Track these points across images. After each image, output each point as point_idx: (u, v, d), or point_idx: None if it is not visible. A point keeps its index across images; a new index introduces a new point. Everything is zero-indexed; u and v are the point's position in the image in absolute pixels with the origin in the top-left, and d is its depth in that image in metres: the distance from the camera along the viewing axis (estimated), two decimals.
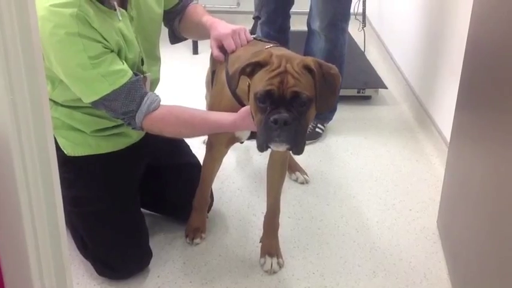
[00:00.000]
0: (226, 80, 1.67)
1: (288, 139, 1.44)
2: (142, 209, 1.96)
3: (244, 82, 1.53)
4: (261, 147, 1.48)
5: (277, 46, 1.74)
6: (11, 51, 0.86)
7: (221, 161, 1.92)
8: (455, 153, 1.97)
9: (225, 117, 1.62)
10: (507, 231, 1.42)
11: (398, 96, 3.21)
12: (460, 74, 1.91)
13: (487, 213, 1.59)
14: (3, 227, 1.00)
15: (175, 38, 2.00)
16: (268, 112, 1.44)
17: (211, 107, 1.80)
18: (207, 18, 1.82)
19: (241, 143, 1.84)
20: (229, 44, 1.72)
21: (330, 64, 1.52)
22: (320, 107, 1.49)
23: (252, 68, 1.50)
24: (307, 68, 1.46)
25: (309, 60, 1.48)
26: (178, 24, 1.93)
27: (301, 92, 1.43)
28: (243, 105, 1.63)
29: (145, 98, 1.63)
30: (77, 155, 1.80)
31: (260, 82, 1.46)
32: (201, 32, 1.83)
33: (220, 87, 1.73)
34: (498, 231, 1.49)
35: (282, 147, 1.49)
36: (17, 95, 0.90)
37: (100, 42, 1.56)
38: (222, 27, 1.73)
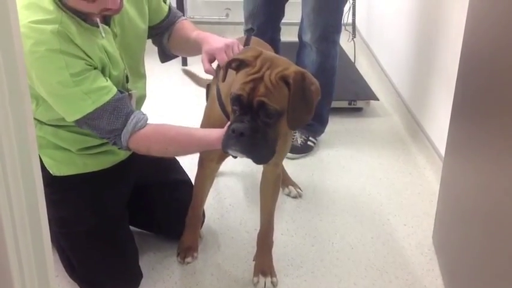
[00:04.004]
0: (217, 95, 1.63)
1: (242, 149, 1.44)
2: (131, 227, 1.91)
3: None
4: (224, 149, 1.48)
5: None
6: None
7: (213, 178, 1.88)
8: (450, 168, 1.94)
9: (211, 133, 1.58)
10: (505, 248, 1.39)
11: (390, 107, 3.19)
12: (453, 85, 1.89)
13: (483, 229, 1.56)
14: None
15: (165, 56, 1.95)
16: (235, 116, 1.44)
17: (202, 122, 1.76)
18: (198, 33, 1.78)
19: (235, 157, 1.77)
20: (222, 59, 1.68)
21: (313, 79, 1.48)
22: (292, 121, 1.45)
23: (238, 64, 1.48)
24: (284, 80, 1.42)
25: (290, 72, 1.43)
26: (167, 41, 1.88)
27: (267, 103, 1.40)
28: None
29: (132, 117, 1.58)
30: (62, 174, 1.75)
31: (237, 83, 1.44)
32: (192, 48, 1.78)
33: (211, 103, 1.69)
34: (495, 248, 1.47)
35: (239, 155, 1.49)
36: (1, 121, 0.86)
37: (83, 59, 1.51)
38: (215, 41, 1.69)
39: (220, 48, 1.63)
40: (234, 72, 1.50)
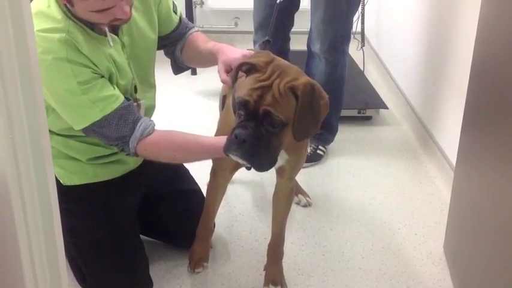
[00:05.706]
0: (232, 105, 1.63)
1: (243, 156, 1.44)
2: (141, 236, 1.92)
3: None
4: (225, 151, 1.48)
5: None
6: (10, 90, 0.82)
7: (225, 188, 1.87)
8: (462, 177, 1.93)
9: (219, 140, 1.57)
10: None
11: (400, 116, 3.18)
12: (463, 93, 1.88)
13: (495, 239, 1.55)
14: (0, 262, 0.96)
15: (178, 68, 1.95)
16: (240, 121, 1.44)
17: (217, 132, 1.77)
18: (213, 44, 1.78)
19: (248, 169, 1.66)
20: None
21: (323, 93, 1.47)
22: (298, 133, 1.45)
23: (248, 68, 1.48)
24: (293, 91, 1.42)
25: (300, 83, 1.42)
26: (180, 53, 1.89)
27: (273, 113, 1.40)
28: None
29: (139, 123, 1.59)
30: (73, 184, 1.76)
31: (245, 88, 1.44)
32: (207, 59, 1.78)
33: (227, 113, 1.70)
34: (507, 258, 1.45)
35: (239, 161, 1.49)
36: (16, 131, 0.87)
37: (89, 67, 1.52)
38: (232, 51, 1.69)
39: (237, 59, 1.64)
40: (244, 76, 1.50)
